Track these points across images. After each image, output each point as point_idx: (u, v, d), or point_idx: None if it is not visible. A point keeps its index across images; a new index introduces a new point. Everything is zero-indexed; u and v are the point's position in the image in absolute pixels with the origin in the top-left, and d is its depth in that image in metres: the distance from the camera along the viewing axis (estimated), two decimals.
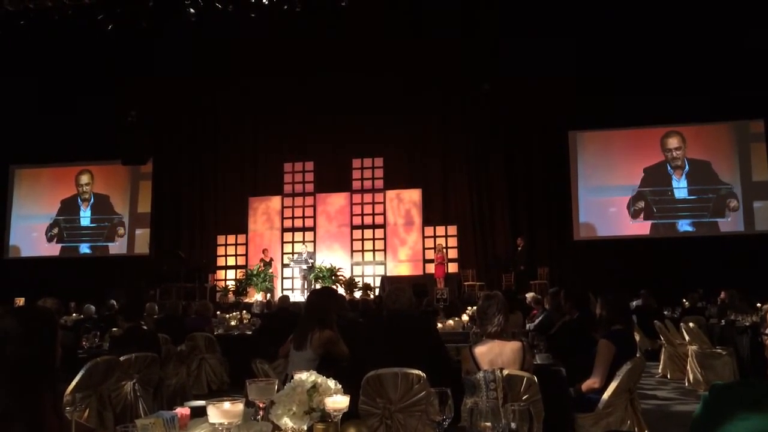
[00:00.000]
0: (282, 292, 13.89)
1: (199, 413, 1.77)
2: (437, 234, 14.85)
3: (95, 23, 12.96)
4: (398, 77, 14.41)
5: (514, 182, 14.73)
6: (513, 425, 1.67)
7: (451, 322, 7.54)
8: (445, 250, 14.23)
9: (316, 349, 3.79)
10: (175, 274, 14.12)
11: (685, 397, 6.83)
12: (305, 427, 1.81)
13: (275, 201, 15.82)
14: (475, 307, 5.63)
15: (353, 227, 15.40)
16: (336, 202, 15.60)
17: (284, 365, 4.38)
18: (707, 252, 13.05)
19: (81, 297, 12.01)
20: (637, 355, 3.80)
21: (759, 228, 13.78)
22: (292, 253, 14.97)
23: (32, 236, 17.05)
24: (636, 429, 3.63)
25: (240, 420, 1.60)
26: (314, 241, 15.44)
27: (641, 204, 14.38)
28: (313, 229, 15.60)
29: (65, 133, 15.64)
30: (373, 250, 15.25)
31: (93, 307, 9.61)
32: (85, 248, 16.89)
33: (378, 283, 14.44)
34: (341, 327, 4.07)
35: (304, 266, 13.90)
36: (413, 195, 15.26)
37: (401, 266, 15.08)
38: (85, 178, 17.10)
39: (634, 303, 9.69)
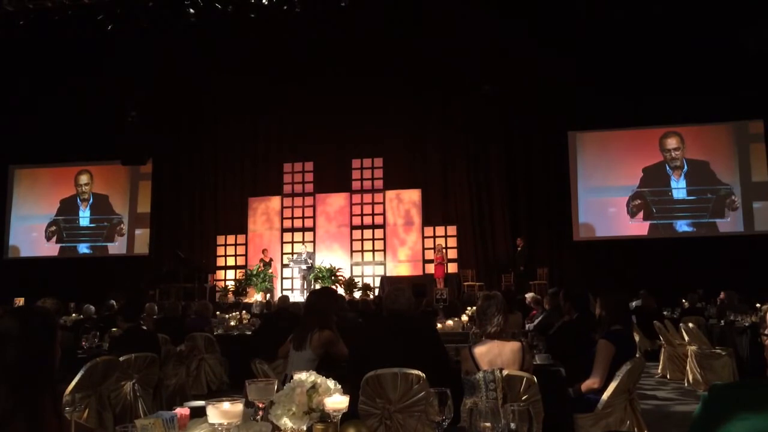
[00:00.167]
0: (281, 293, 13.89)
1: (199, 413, 1.76)
2: (437, 234, 14.85)
3: (95, 23, 12.95)
4: (398, 77, 14.42)
5: (514, 182, 14.74)
6: (512, 425, 1.67)
7: (450, 322, 7.54)
8: (444, 251, 14.23)
9: (316, 349, 3.79)
10: (175, 275, 14.12)
11: (685, 397, 6.83)
12: (305, 428, 1.80)
13: (275, 201, 15.83)
14: (474, 308, 5.63)
15: (353, 227, 15.40)
16: (335, 202, 15.60)
17: (284, 365, 4.38)
18: (707, 252, 13.07)
19: (80, 297, 12.02)
20: (637, 355, 3.80)
21: (758, 228, 13.79)
22: (292, 254, 14.97)
23: (32, 236, 17.05)
24: (635, 429, 3.63)
25: (239, 420, 1.60)
26: (314, 242, 15.44)
27: (638, 201, 14.39)
28: (312, 229, 15.60)
29: (65, 133, 15.64)
30: (373, 251, 15.25)
31: (92, 308, 9.61)
32: (84, 248, 16.89)
33: (377, 283, 14.44)
34: (341, 327, 4.07)
35: (304, 266, 13.90)
36: (413, 195, 15.26)
37: (401, 266, 15.08)
38: (84, 178, 17.10)
39: (634, 303, 9.70)
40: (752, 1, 12.06)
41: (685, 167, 14.41)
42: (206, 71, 14.91)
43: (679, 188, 14.42)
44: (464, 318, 8.04)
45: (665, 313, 9.55)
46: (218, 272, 15.75)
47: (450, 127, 15.11)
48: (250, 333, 8.02)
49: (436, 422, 1.84)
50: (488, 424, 1.69)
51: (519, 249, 13.78)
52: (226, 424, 1.56)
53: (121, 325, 5.49)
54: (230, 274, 15.70)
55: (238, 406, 1.58)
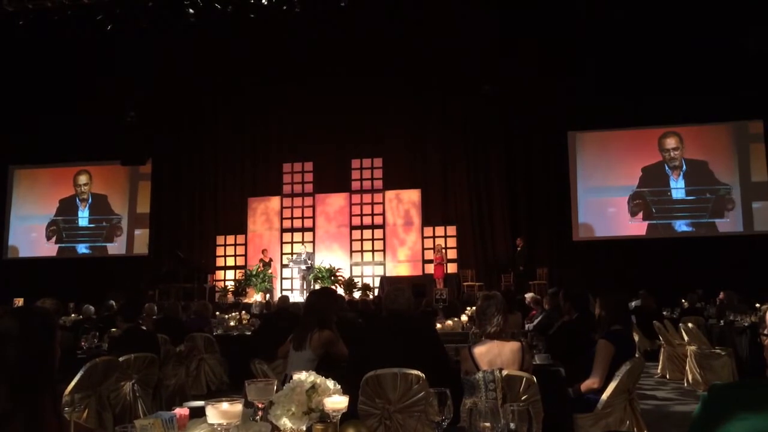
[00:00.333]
0: (281, 293, 13.88)
1: (198, 413, 1.76)
2: (436, 234, 14.85)
3: (94, 23, 12.95)
4: (398, 77, 14.43)
5: (514, 183, 14.75)
6: (512, 425, 1.67)
7: (450, 322, 7.54)
8: (444, 251, 14.22)
9: (316, 349, 3.79)
10: (174, 275, 14.12)
11: (684, 397, 6.83)
12: (304, 428, 1.80)
13: (274, 201, 15.82)
14: (474, 308, 5.63)
15: (352, 227, 15.40)
16: (335, 202, 15.60)
17: (283, 365, 4.38)
18: (706, 252, 13.07)
19: (80, 297, 12.02)
20: (636, 355, 3.80)
21: (758, 228, 13.80)
22: (292, 254, 14.97)
23: (31, 236, 17.04)
24: (635, 429, 3.63)
25: (239, 420, 1.60)
26: (313, 242, 15.44)
27: (638, 201, 14.41)
28: (312, 229, 15.60)
29: (64, 133, 15.63)
30: (372, 251, 15.25)
31: (92, 308, 9.61)
32: (83, 248, 16.88)
33: (377, 283, 14.44)
34: (340, 327, 4.07)
35: (303, 267, 13.90)
36: (412, 195, 15.26)
37: (400, 266, 15.08)
38: (83, 179, 17.09)
39: (633, 303, 9.70)
40: (752, 1, 12.07)
41: (684, 167, 14.42)
42: (206, 71, 14.91)
43: (677, 188, 14.43)
44: (464, 318, 8.04)
45: (665, 313, 9.55)
46: (218, 272, 15.74)
47: (450, 127, 15.11)
48: (249, 333, 8.01)
49: (435, 422, 1.84)
50: (488, 424, 1.69)
51: (518, 249, 13.78)
52: (225, 424, 1.55)
53: (121, 326, 5.49)
54: (230, 274, 15.70)
55: (238, 407, 1.58)
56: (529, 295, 9.45)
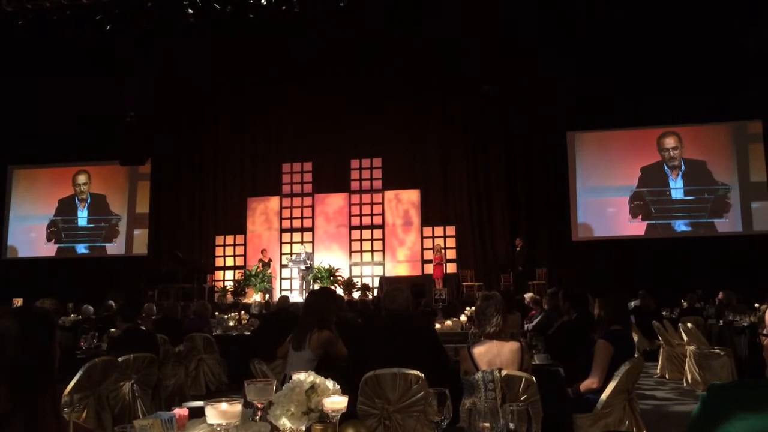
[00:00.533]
0: (280, 293, 13.88)
1: (198, 414, 1.76)
2: (436, 234, 14.84)
3: (94, 23, 12.95)
4: (398, 77, 14.43)
5: (513, 183, 14.74)
6: (511, 425, 1.67)
7: (449, 322, 7.54)
8: (443, 251, 14.22)
9: (315, 349, 3.79)
10: (174, 275, 14.10)
11: (684, 397, 6.84)
12: (303, 428, 1.80)
13: (274, 201, 15.82)
14: (473, 308, 5.63)
15: (352, 228, 15.40)
16: (334, 202, 15.60)
17: (283, 366, 4.38)
18: (706, 252, 13.08)
19: (79, 298, 12.02)
20: (636, 355, 3.81)
21: (757, 228, 13.80)
22: (291, 254, 14.97)
23: (30, 237, 17.03)
24: (634, 429, 3.63)
25: (238, 421, 1.60)
26: (312, 242, 15.44)
27: (638, 202, 14.41)
28: (311, 229, 15.59)
29: (63, 133, 15.62)
30: (372, 251, 15.24)
31: (91, 308, 9.61)
32: (82, 249, 16.87)
33: (376, 283, 14.43)
34: (340, 327, 4.07)
35: (303, 267, 13.90)
36: (412, 195, 15.26)
37: (400, 267, 15.08)
38: (82, 178, 17.08)
39: (633, 303, 9.70)
40: (752, 1, 12.08)
41: (683, 167, 14.43)
42: (206, 71, 14.90)
43: (677, 188, 14.44)
44: (463, 318, 8.03)
45: (664, 313, 9.55)
46: (217, 272, 15.74)
47: (449, 127, 15.11)
48: (248, 333, 8.01)
49: (435, 422, 1.84)
50: (487, 424, 1.69)
51: (518, 249, 13.78)
52: (224, 424, 1.55)
53: (120, 326, 5.49)
54: (229, 274, 15.69)
55: (237, 407, 1.58)
56: (528, 295, 9.45)
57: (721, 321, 8.15)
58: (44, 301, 5.07)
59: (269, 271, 14.71)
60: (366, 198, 15.40)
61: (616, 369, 3.59)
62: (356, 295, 13.67)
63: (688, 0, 12.52)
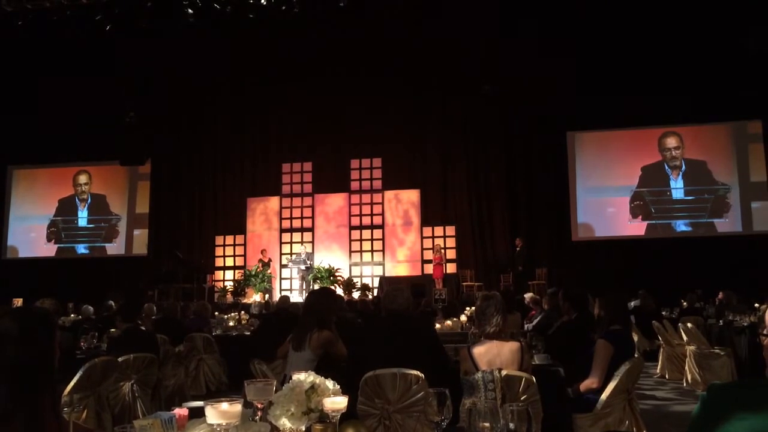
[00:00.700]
0: (280, 293, 13.87)
1: (198, 414, 1.76)
2: (435, 234, 14.84)
3: (94, 23, 12.95)
4: (398, 77, 14.43)
5: (513, 183, 14.74)
6: (511, 425, 1.67)
7: (449, 322, 7.54)
8: (443, 251, 14.22)
9: (315, 349, 3.79)
10: (174, 275, 14.10)
11: (684, 397, 6.84)
12: (303, 428, 1.80)
13: (273, 201, 15.82)
14: (473, 308, 5.63)
15: (351, 228, 15.40)
16: (334, 202, 15.59)
17: (283, 366, 4.38)
18: (705, 252, 13.08)
19: (79, 298, 12.02)
20: (636, 355, 3.81)
21: (757, 228, 13.80)
22: (291, 254, 14.97)
23: (30, 237, 17.03)
24: (634, 429, 3.63)
25: (238, 421, 1.60)
26: (312, 242, 15.44)
27: (639, 203, 14.42)
28: (311, 229, 15.59)
29: (63, 133, 15.62)
30: (372, 251, 15.24)
31: (91, 308, 9.61)
32: (82, 249, 16.87)
33: (376, 283, 14.43)
34: (340, 327, 4.07)
35: (303, 267, 13.90)
36: (412, 195, 15.26)
37: (399, 267, 15.08)
38: (82, 179, 17.08)
39: (633, 303, 9.70)
40: (752, 1, 12.08)
41: (683, 167, 14.43)
42: (206, 71, 14.90)
43: (677, 188, 14.44)
44: (463, 318, 8.03)
45: (664, 313, 9.55)
46: (217, 273, 15.73)
47: (449, 127, 15.11)
48: (248, 333, 8.01)
49: (434, 422, 1.84)
50: (487, 425, 1.69)
51: (518, 249, 13.78)
52: (224, 424, 1.55)
53: (120, 326, 5.49)
54: (229, 274, 15.69)
55: (237, 407, 1.58)
56: (528, 295, 9.45)
57: (721, 321, 8.15)
58: (44, 301, 5.07)
59: (269, 271, 14.72)
60: (366, 198, 15.40)
61: (616, 369, 3.59)
62: (356, 295, 13.66)
63: (689, 0, 12.52)
